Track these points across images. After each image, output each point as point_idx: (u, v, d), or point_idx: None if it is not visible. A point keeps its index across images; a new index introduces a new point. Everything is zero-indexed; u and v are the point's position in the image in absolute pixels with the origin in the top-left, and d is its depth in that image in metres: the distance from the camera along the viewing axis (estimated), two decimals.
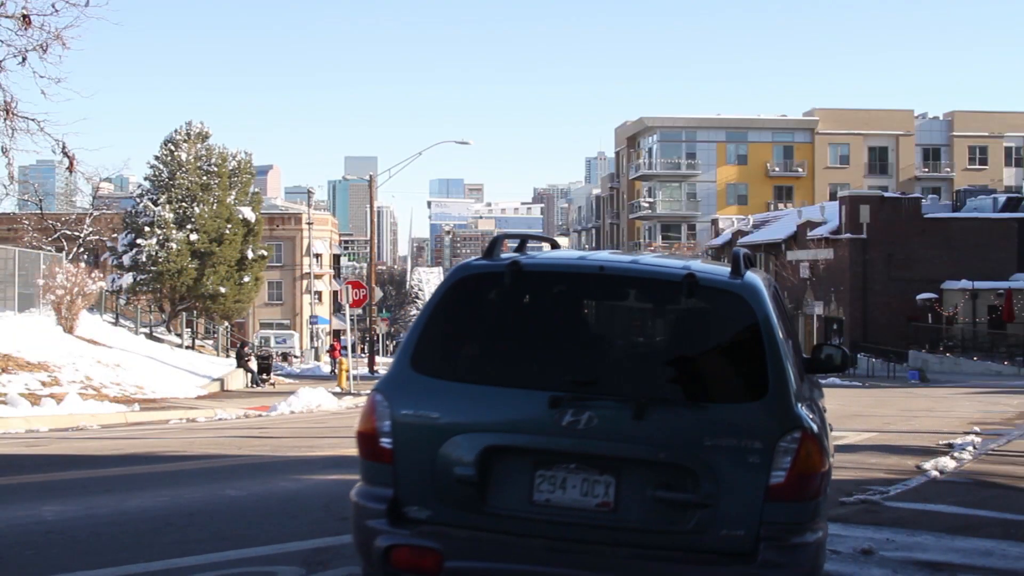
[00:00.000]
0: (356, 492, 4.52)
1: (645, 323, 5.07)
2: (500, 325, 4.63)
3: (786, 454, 4.11)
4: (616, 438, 4.16)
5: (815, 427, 4.25)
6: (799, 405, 4.28)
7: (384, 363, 62.81)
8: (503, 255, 4.70)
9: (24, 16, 18.47)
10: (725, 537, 4.09)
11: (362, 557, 4.46)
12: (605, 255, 4.97)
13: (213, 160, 47.19)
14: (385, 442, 4.41)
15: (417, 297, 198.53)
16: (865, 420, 15.25)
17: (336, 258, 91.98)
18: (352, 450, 11.66)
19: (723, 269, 4.63)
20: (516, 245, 4.95)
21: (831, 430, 5.13)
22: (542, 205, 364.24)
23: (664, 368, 4.42)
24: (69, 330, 28.03)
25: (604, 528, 4.16)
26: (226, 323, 47.77)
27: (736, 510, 4.09)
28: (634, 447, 4.16)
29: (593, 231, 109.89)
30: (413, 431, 4.39)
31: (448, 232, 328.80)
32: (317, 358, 60.32)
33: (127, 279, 45.43)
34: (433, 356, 4.52)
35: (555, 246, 5.30)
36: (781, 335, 4.42)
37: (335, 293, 75.51)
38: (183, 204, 45.62)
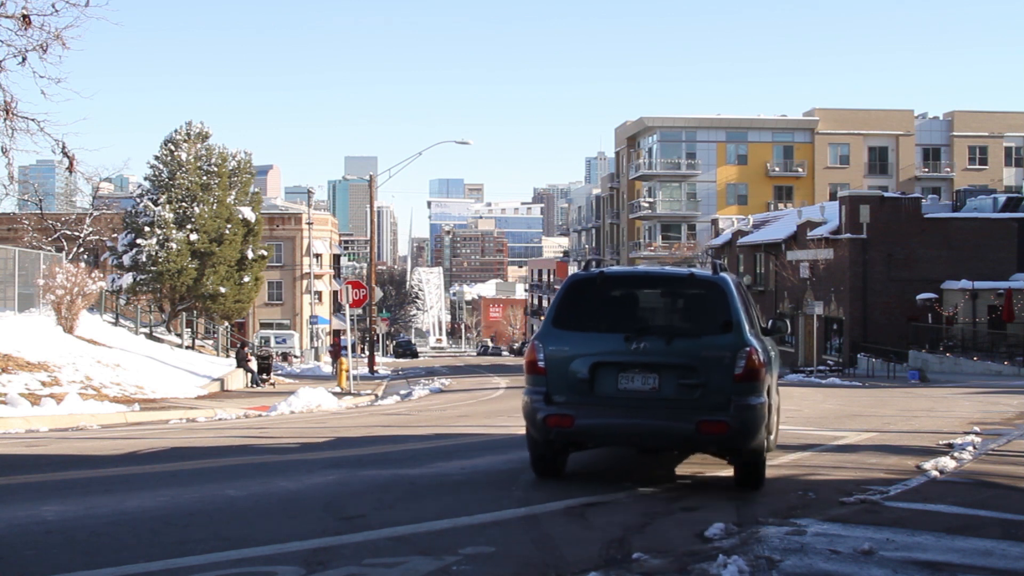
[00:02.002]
0: (525, 393, 8.74)
1: (668, 299, 9.34)
2: (595, 303, 8.87)
3: (741, 358, 8.24)
4: (658, 354, 8.35)
5: (758, 347, 8.53)
6: (750, 336, 8.49)
7: (384, 362, 62.76)
8: (593, 270, 9.11)
9: (24, 16, 18.44)
10: (714, 401, 8.19)
11: (530, 424, 8.70)
12: (645, 267, 10.20)
13: (213, 160, 47.17)
14: (541, 364, 8.64)
15: (417, 297, 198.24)
16: (865, 420, 15.24)
17: (336, 258, 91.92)
18: (351, 451, 11.64)
19: (708, 272, 9.02)
20: (584, 264, 9.81)
21: (776, 361, 10.21)
22: (542, 205, 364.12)
23: (680, 319, 9.00)
24: (69, 330, 28.03)
25: (654, 399, 8.34)
26: (226, 323, 47.76)
27: (719, 387, 8.21)
28: (667, 358, 8.33)
29: (593, 231, 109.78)
30: (556, 357, 8.60)
31: (448, 232, 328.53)
32: (317, 358, 60.30)
33: (127, 279, 45.41)
34: (563, 319, 8.77)
35: (591, 266, 9.72)
36: (738, 304, 8.69)
37: (335, 293, 75.48)
38: (183, 204, 45.61)
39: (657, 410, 8.29)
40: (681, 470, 9.43)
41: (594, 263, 11.04)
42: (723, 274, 9.01)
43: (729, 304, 8.58)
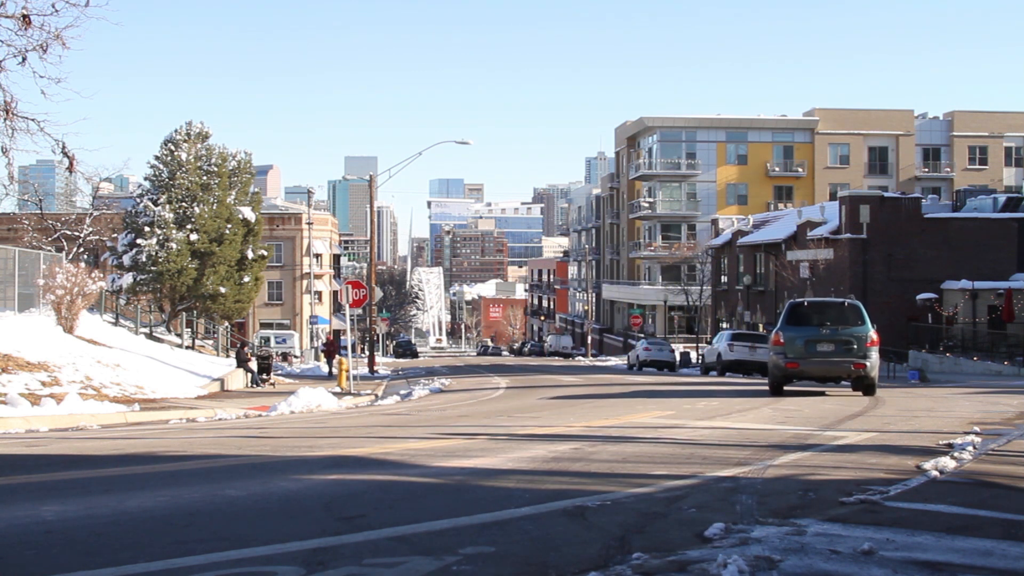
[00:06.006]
0: (772, 355, 22.54)
1: (837, 311, 22.74)
2: (803, 312, 22.70)
3: (870, 336, 21.93)
4: (833, 334, 22.02)
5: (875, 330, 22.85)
6: (874, 326, 22.44)
7: (384, 362, 62.71)
8: (798, 299, 25.50)
9: (24, 16, 18.46)
10: (858, 355, 21.77)
11: (774, 368, 22.46)
12: (823, 298, 30.07)
13: (213, 160, 47.21)
14: (781, 340, 22.13)
15: (417, 297, 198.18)
16: (865, 420, 15.25)
17: (336, 258, 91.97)
18: (352, 451, 11.65)
19: (853, 299, 24.98)
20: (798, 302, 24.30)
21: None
22: (542, 205, 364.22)
23: (843, 319, 22.39)
24: (69, 330, 28.04)
25: (832, 355, 21.99)
26: (226, 323, 47.79)
27: (861, 349, 21.81)
28: (837, 336, 22.00)
29: (593, 231, 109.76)
30: (787, 335, 22.09)
31: (448, 232, 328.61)
32: (317, 358, 60.33)
33: (127, 279, 45.44)
34: (789, 320, 22.47)
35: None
36: (866, 313, 22.66)
37: (335, 293, 75.48)
38: (183, 204, 45.64)
39: (834, 360, 21.47)
40: (681, 470, 9.45)
41: (800, 297, 33.64)
42: (858, 302, 22.91)
43: (863, 312, 22.08)
